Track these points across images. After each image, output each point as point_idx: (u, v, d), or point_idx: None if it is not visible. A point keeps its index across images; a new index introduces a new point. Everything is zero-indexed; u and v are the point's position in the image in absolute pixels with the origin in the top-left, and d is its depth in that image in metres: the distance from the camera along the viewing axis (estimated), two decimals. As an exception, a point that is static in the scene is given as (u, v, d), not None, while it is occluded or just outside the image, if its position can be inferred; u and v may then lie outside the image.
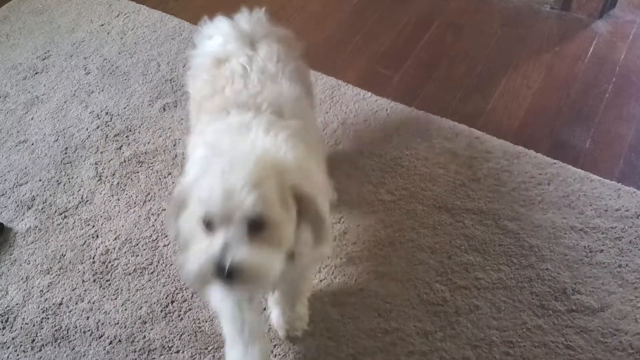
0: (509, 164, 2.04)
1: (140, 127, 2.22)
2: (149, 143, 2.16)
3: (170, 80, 2.38)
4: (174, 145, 2.15)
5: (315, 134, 1.62)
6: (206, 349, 1.63)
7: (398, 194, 1.96)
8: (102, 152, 2.14)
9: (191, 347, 1.64)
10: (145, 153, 2.13)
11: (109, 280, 1.79)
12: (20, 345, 1.67)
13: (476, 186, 1.97)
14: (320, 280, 1.75)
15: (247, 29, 1.64)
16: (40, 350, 1.66)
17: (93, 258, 1.85)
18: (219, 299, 1.41)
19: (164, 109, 2.28)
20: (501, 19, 2.64)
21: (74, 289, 1.78)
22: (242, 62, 1.54)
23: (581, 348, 1.59)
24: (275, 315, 1.64)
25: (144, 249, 1.86)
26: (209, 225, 1.12)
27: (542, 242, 1.81)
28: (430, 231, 1.86)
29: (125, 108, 2.29)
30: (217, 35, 1.64)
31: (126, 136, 2.19)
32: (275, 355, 1.62)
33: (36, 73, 2.45)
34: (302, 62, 1.73)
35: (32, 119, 2.28)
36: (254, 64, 1.54)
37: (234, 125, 1.33)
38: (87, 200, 2.00)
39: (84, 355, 1.64)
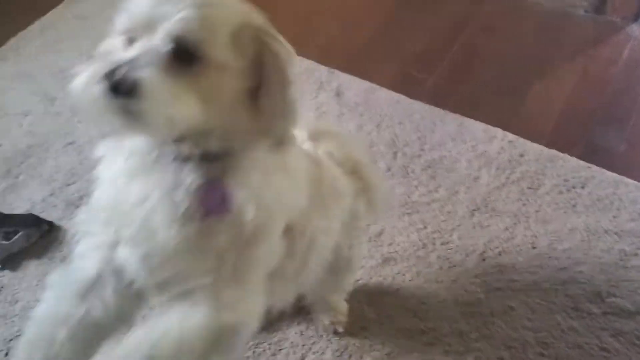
0: (543, 167, 2.07)
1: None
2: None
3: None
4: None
5: None
6: None
7: (433, 196, 2.01)
8: (145, 154, 2.21)
9: None
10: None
11: (154, 277, 1.87)
12: (72, 339, 1.76)
13: (510, 189, 2.01)
14: (357, 280, 1.80)
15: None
16: (90, 344, 1.74)
17: (139, 256, 1.93)
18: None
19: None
20: (535, 22, 2.66)
21: (121, 286, 1.86)
22: None
23: (616, 350, 1.62)
24: (315, 313, 1.69)
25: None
26: (128, 33, 0.86)
27: (576, 245, 1.85)
28: (465, 233, 1.90)
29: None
30: None
31: (168, 138, 2.26)
32: (314, 353, 1.67)
33: (82, 77, 2.53)
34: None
35: (79, 121, 2.36)
36: None
37: None
38: (133, 200, 2.08)
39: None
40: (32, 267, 1.92)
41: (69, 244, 1.94)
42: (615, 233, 1.87)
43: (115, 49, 0.88)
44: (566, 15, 2.68)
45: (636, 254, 1.82)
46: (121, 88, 0.78)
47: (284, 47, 0.88)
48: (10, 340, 1.75)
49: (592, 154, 2.11)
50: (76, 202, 2.09)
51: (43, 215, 2.04)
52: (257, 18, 0.89)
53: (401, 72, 2.17)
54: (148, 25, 0.82)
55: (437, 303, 1.75)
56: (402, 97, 2.32)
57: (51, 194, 2.12)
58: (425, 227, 1.92)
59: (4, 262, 1.92)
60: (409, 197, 2.00)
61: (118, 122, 0.84)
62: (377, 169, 1.45)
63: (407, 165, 2.09)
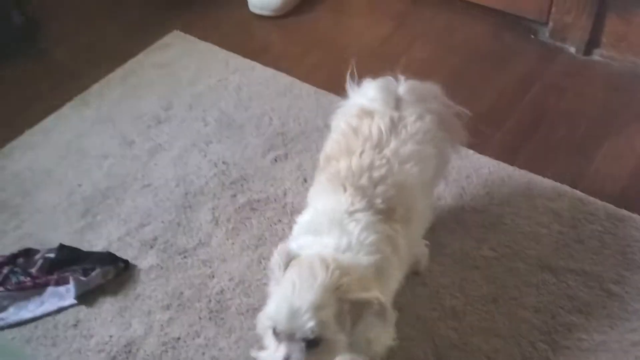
0: (613, 227, 2.06)
1: (253, 176, 2.37)
2: (261, 192, 2.31)
3: (282, 133, 2.53)
4: (284, 194, 2.29)
5: (414, 239, 1.70)
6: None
7: (500, 251, 2.01)
8: (218, 199, 2.30)
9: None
10: (258, 201, 2.27)
11: (223, 318, 1.92)
12: (142, 375, 1.81)
13: (580, 247, 2.00)
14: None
15: (398, 92, 1.76)
16: (160, 381, 1.79)
17: (209, 297, 1.98)
18: None
19: (276, 160, 2.43)
20: (604, 82, 2.67)
21: (191, 325, 1.91)
22: (383, 125, 1.65)
23: (688, 417, 1.58)
24: None
25: (256, 291, 1.98)
26: (275, 334, 1.33)
27: (647, 306, 1.82)
28: (534, 290, 1.90)
29: (240, 158, 2.45)
30: (369, 90, 1.78)
31: (241, 184, 2.34)
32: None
33: (159, 123, 2.65)
34: (448, 143, 1.88)
35: (155, 164, 2.47)
36: (393, 136, 1.65)
37: (336, 212, 1.50)
38: (205, 243, 2.15)
39: (200, 388, 1.76)
40: (107, 304, 2.00)
41: (142, 282, 2.03)
42: (688, 296, 1.84)
43: (268, 334, 1.36)
44: (636, 76, 2.67)
45: None
46: None
47: (366, 303, 1.33)
48: (85, 373, 1.82)
49: (663, 214, 2.08)
50: (150, 242, 2.17)
51: (119, 254, 2.13)
52: (345, 289, 1.31)
53: (469, 127, 2.19)
54: (288, 332, 1.29)
55: (505, 359, 1.74)
56: (470, 151, 2.34)
57: (127, 234, 2.21)
58: (492, 282, 1.93)
59: (81, 298, 2.01)
60: (477, 251, 2.02)
61: None
62: (454, 119, 1.90)
63: (474, 219, 2.10)
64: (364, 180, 1.55)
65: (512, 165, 2.31)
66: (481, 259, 2.00)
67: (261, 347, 1.40)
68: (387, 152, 1.61)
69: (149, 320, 1.94)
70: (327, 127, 2.50)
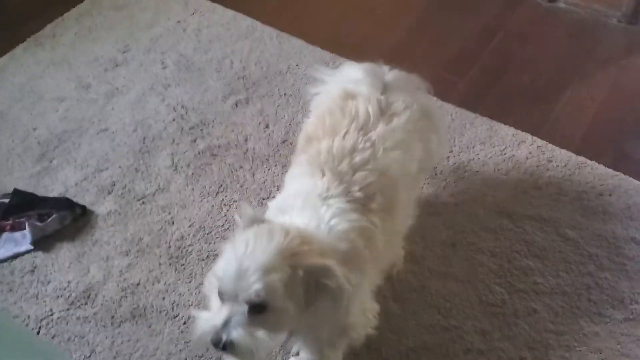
0: (571, 174, 2.08)
1: (213, 121, 2.33)
2: (221, 137, 2.27)
3: (243, 77, 2.48)
4: (246, 140, 2.26)
5: (394, 237, 1.60)
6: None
7: (460, 197, 2.03)
8: (177, 144, 2.25)
9: (259, 332, 1.73)
10: (218, 147, 2.24)
11: (183, 264, 1.91)
12: (101, 321, 1.79)
13: (538, 194, 2.03)
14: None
15: (385, 78, 1.68)
16: (119, 326, 1.78)
17: (169, 243, 1.96)
18: None
19: (237, 105, 2.38)
20: (567, 30, 2.67)
21: (151, 271, 1.90)
22: (372, 107, 1.58)
23: (637, 356, 1.64)
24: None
25: (217, 238, 1.97)
26: (220, 295, 1.26)
27: (601, 251, 1.86)
28: (491, 235, 1.92)
29: (199, 102, 2.40)
30: (354, 72, 1.71)
31: (200, 130, 2.30)
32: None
33: (116, 66, 2.58)
34: (434, 137, 1.76)
35: (112, 109, 2.41)
36: (382, 121, 1.57)
37: (310, 195, 1.43)
38: (164, 189, 2.12)
39: (160, 333, 1.75)
40: (64, 250, 1.97)
41: (100, 228, 2.00)
42: (642, 241, 1.88)
43: (213, 295, 1.29)
44: (599, 23, 2.68)
45: (661, 263, 1.83)
46: (222, 347, 1.22)
47: (324, 269, 1.25)
48: (42, 319, 1.80)
49: (621, 162, 2.11)
50: (108, 188, 2.13)
51: (76, 200, 2.08)
52: (301, 257, 1.24)
53: (432, 74, 2.18)
54: (232, 293, 1.22)
55: (461, 302, 1.77)
56: (433, 98, 2.32)
57: (84, 179, 2.17)
58: (451, 227, 1.94)
59: (38, 243, 1.97)
60: (436, 197, 2.03)
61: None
62: (439, 112, 1.86)
63: (435, 167, 2.10)
64: (343, 166, 1.47)
65: (474, 112, 2.31)
66: (441, 205, 2.01)
67: (203, 308, 1.35)
68: (373, 135, 1.53)
69: (107, 266, 1.92)
70: (290, 70, 2.49)
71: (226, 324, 1.22)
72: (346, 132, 1.53)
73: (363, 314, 1.50)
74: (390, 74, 1.71)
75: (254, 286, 1.19)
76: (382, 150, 1.51)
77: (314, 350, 1.55)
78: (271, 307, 1.22)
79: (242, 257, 1.21)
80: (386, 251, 1.51)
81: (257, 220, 1.32)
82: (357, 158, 1.48)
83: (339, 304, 1.28)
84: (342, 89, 1.66)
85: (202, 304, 1.77)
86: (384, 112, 1.59)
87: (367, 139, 1.52)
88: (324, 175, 1.46)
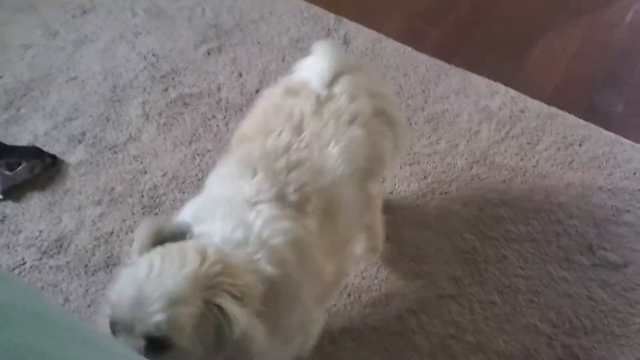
0: (543, 124, 2.11)
1: (185, 70, 2.29)
2: (194, 86, 2.24)
3: (215, 26, 2.44)
4: (219, 89, 2.23)
5: (339, 242, 1.37)
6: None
7: (433, 148, 2.04)
8: (149, 93, 2.22)
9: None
10: (191, 95, 2.21)
11: (157, 214, 1.90)
12: (74, 269, 1.78)
13: (510, 143, 2.05)
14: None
15: (334, 62, 1.49)
16: (93, 274, 1.77)
17: (142, 192, 1.95)
18: None
19: (209, 53, 2.35)
20: (542, -20, 2.67)
21: (124, 220, 1.89)
22: (307, 106, 1.40)
23: (603, 300, 1.69)
24: None
25: (190, 187, 1.96)
26: (113, 330, 1.03)
27: (571, 200, 1.90)
28: (464, 184, 1.94)
29: (171, 51, 2.36)
30: (305, 65, 1.54)
31: (172, 78, 2.27)
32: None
33: (84, 12, 2.51)
34: (387, 135, 1.52)
35: (81, 57, 2.35)
36: (316, 117, 1.39)
37: (233, 200, 1.24)
38: (135, 138, 2.09)
39: (135, 281, 1.75)
40: (35, 199, 1.94)
41: (71, 177, 1.98)
42: (609, 190, 1.92)
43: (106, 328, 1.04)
44: (572, -25, 2.69)
45: (628, 211, 1.87)
46: None
47: (232, 316, 1.02)
48: (14, 268, 1.79)
49: (591, 113, 2.14)
50: (79, 137, 2.10)
51: (46, 149, 2.05)
52: (218, 292, 1.03)
53: (408, 24, 2.18)
54: (127, 326, 1.00)
55: (434, 250, 1.80)
56: (408, 48, 2.33)
57: (54, 128, 2.13)
58: (425, 178, 1.96)
59: (7, 193, 1.94)
60: (411, 147, 2.04)
61: None
62: (397, 105, 1.62)
63: (410, 117, 2.11)
64: (279, 164, 1.29)
65: (448, 63, 2.31)
66: (415, 155, 2.03)
67: None
68: (307, 134, 1.35)
69: (79, 216, 1.90)
70: (263, 19, 2.46)
71: None
72: (281, 132, 1.36)
73: (304, 330, 1.33)
74: (345, 62, 1.53)
75: (156, 317, 0.98)
76: (317, 148, 1.35)
77: None
78: (175, 346, 1.01)
79: (143, 281, 1.01)
80: (325, 262, 1.29)
81: (159, 237, 1.12)
82: (293, 157, 1.31)
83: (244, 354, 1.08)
84: (285, 86, 1.51)
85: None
86: (322, 105, 1.42)
87: (301, 139, 1.35)
88: (255, 175, 1.27)
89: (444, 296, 1.71)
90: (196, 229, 1.18)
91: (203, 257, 1.05)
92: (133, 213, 1.90)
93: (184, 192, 1.95)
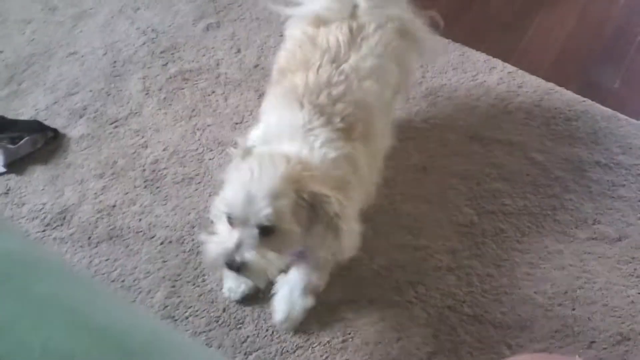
0: (540, 100, 2.13)
1: (184, 45, 2.30)
2: (193, 61, 2.25)
3: (214, 0, 2.44)
4: (217, 64, 2.24)
5: (375, 160, 1.61)
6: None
7: (432, 122, 2.06)
8: (149, 68, 2.23)
9: (236, 252, 1.77)
10: (190, 71, 2.22)
11: (159, 187, 1.92)
12: (78, 241, 1.81)
13: (507, 118, 2.07)
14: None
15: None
16: (96, 246, 1.80)
17: (143, 166, 1.97)
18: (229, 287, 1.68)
19: (208, 29, 2.36)
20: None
21: (126, 193, 1.91)
22: (342, 36, 1.55)
23: (598, 273, 1.72)
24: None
25: (191, 161, 1.98)
26: (229, 220, 1.33)
27: (567, 174, 1.92)
28: (462, 159, 1.97)
29: (170, 26, 2.37)
30: None
31: (171, 53, 2.27)
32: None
33: (83, -13, 2.51)
34: (412, 53, 1.75)
35: (81, 32, 2.36)
36: (352, 50, 1.55)
37: (293, 126, 1.44)
38: (136, 112, 2.11)
39: (137, 252, 1.78)
40: (38, 172, 1.96)
41: (73, 151, 1.99)
42: (606, 165, 1.94)
43: (221, 220, 1.36)
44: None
45: (623, 185, 1.90)
46: (236, 268, 1.32)
47: (324, 197, 1.31)
48: (18, 240, 1.81)
49: (588, 89, 2.16)
50: (80, 112, 2.11)
51: (47, 123, 2.06)
52: (312, 180, 1.32)
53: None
54: (243, 218, 1.29)
55: (432, 222, 1.83)
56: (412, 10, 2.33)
57: (55, 103, 2.14)
58: (423, 152, 1.98)
59: (10, 166, 1.96)
60: (409, 122, 2.05)
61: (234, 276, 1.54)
62: (423, 24, 1.77)
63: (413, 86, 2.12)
64: (322, 98, 1.47)
65: (447, 38, 2.32)
66: (413, 130, 2.04)
67: (211, 232, 1.39)
68: (345, 67, 1.52)
69: (82, 189, 1.92)
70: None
71: (238, 246, 1.30)
72: (319, 66, 1.52)
73: (351, 236, 1.53)
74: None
75: (265, 211, 1.26)
76: (356, 82, 1.51)
77: (306, 272, 1.60)
78: (279, 229, 1.30)
79: (249, 184, 1.28)
80: (369, 175, 1.55)
81: (251, 151, 1.37)
82: (334, 91, 1.48)
83: (334, 227, 1.34)
84: (313, 15, 1.63)
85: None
86: (355, 37, 1.57)
87: (340, 72, 1.51)
88: (303, 107, 1.46)
89: (441, 268, 1.74)
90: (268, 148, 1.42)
91: (287, 159, 1.32)
92: (135, 186, 1.92)
93: (184, 166, 1.97)
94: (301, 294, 1.62)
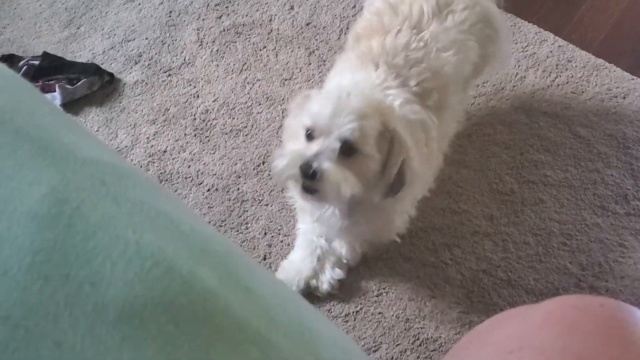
0: (589, 75, 2.13)
1: (239, -1, 2.34)
2: (247, 15, 2.29)
3: (270, -44, 2.47)
4: (270, 20, 2.28)
5: (443, 134, 1.59)
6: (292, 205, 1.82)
7: (479, 91, 2.08)
8: (203, 19, 2.28)
9: (279, 202, 1.83)
10: (243, 25, 2.26)
11: (208, 136, 1.98)
12: (129, 183, 1.88)
13: (555, 91, 2.08)
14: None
15: None
16: (146, 188, 1.87)
17: (194, 115, 2.03)
18: (303, 230, 1.68)
19: (262, -16, 2.39)
20: None
21: (177, 140, 1.97)
22: (427, 5, 1.51)
23: (633, 247, 1.74)
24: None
25: (240, 113, 2.03)
26: (309, 135, 1.29)
27: (610, 150, 1.93)
28: (507, 128, 1.99)
29: (225, -21, 2.40)
30: None
31: (226, 7, 2.31)
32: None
33: (142, -64, 2.55)
34: (494, 44, 1.71)
35: None
36: (436, 20, 1.51)
37: (367, 84, 1.41)
38: (189, 63, 2.16)
39: (185, 197, 1.85)
40: (93, 114, 2.04)
41: (127, 96, 2.05)
42: (650, 143, 1.95)
43: (299, 137, 1.32)
44: None
45: (666, 165, 1.91)
46: (312, 175, 1.25)
47: (405, 141, 1.29)
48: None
49: (638, 67, 2.15)
50: (135, 58, 2.17)
51: (104, 67, 2.13)
52: (397, 121, 1.30)
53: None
54: (326, 130, 1.26)
55: (472, 188, 1.86)
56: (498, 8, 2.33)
57: (111, 48, 2.21)
58: (469, 119, 2.00)
59: (67, 106, 2.03)
60: (455, 88, 2.07)
61: (303, 195, 1.35)
62: (505, 22, 1.81)
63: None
64: (398, 60, 1.44)
65: (498, 8, 2.31)
66: (460, 96, 2.07)
67: (281, 146, 1.41)
68: (426, 34, 1.48)
69: (135, 133, 1.99)
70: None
71: (317, 155, 1.26)
72: (399, 31, 1.48)
73: (402, 217, 1.58)
74: None
75: (351, 124, 1.23)
76: (435, 50, 1.47)
77: (350, 246, 1.66)
78: (361, 151, 1.27)
79: (338, 99, 1.26)
80: (437, 153, 1.56)
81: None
82: (412, 55, 1.45)
83: (399, 185, 1.34)
84: None
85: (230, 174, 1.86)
86: (441, 10, 1.53)
87: (420, 39, 1.47)
88: (378, 67, 1.43)
89: (479, 233, 1.78)
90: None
91: (378, 95, 1.33)
92: (185, 134, 1.99)
93: (233, 118, 2.02)
94: (333, 265, 1.67)
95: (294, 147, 1.33)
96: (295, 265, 1.66)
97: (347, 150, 1.26)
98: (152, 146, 1.96)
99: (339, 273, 1.67)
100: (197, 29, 2.25)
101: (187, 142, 1.97)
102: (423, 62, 1.45)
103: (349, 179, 1.28)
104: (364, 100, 1.27)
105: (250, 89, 2.10)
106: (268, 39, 2.23)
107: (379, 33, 1.49)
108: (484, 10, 1.62)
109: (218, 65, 2.16)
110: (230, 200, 1.84)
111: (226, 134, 1.99)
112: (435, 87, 1.45)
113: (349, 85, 1.33)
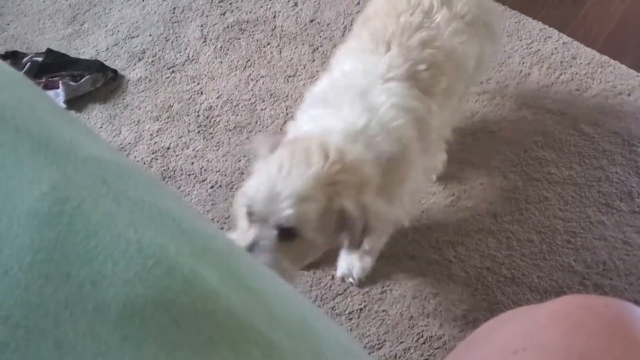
0: (593, 72, 2.12)
1: (243, -5, 2.34)
2: (250, 12, 2.29)
3: (274, -47, 2.47)
4: (274, 17, 2.27)
5: (446, 122, 1.52)
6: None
7: (483, 88, 2.07)
8: (207, 16, 2.27)
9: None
10: (247, 22, 2.26)
11: (211, 133, 1.98)
12: (132, 180, 1.88)
13: (559, 89, 2.07)
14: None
15: None
16: (149, 185, 1.87)
17: (198, 112, 2.03)
18: None
19: (266, -19, 2.38)
20: None
21: (180, 137, 1.97)
22: None
23: (638, 245, 1.74)
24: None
25: (244, 110, 2.03)
26: (249, 216, 1.18)
27: (615, 147, 1.92)
28: (511, 125, 1.98)
29: (229, -24, 2.40)
30: None
31: (230, 3, 2.31)
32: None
33: None
34: (490, 44, 1.65)
35: (142, -24, 2.41)
36: (446, 7, 1.44)
37: (367, 75, 1.32)
38: (193, 59, 2.16)
39: (188, 194, 1.85)
40: (96, 110, 2.04)
41: (131, 93, 2.05)
42: (655, 141, 1.95)
43: (241, 215, 1.21)
44: None
45: (671, 163, 1.90)
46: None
47: (356, 211, 1.17)
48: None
49: (643, 64, 2.15)
50: (139, 55, 2.17)
51: (107, 64, 2.13)
52: (346, 190, 1.16)
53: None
54: (262, 216, 1.15)
55: (477, 185, 1.86)
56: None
57: (115, 44, 2.20)
58: (473, 116, 2.00)
59: (71, 103, 2.03)
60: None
61: None
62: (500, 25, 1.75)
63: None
64: (413, 41, 1.35)
65: (503, 4, 2.31)
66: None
67: (233, 227, 1.31)
68: (437, 17, 1.41)
69: (138, 129, 1.99)
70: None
71: (253, 246, 1.15)
72: (412, 13, 1.42)
73: (412, 202, 1.50)
74: None
75: (287, 211, 1.12)
76: (447, 33, 1.41)
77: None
78: (301, 236, 1.15)
79: (276, 179, 1.13)
80: (437, 141, 1.50)
81: (278, 144, 1.23)
82: (425, 34, 1.37)
83: (365, 236, 1.23)
84: None
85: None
86: (449, 1, 1.47)
87: (432, 20, 1.41)
88: (389, 49, 1.35)
89: (483, 231, 1.78)
90: (319, 111, 1.31)
91: (326, 156, 1.15)
92: (189, 131, 1.98)
93: (237, 115, 2.02)
94: (359, 255, 1.65)
95: (233, 234, 1.24)
96: None
97: (286, 235, 1.15)
98: (155, 143, 1.96)
99: (366, 261, 1.66)
100: (201, 26, 2.25)
101: (190, 139, 1.97)
102: (437, 40, 1.38)
103: (286, 270, 1.17)
104: (305, 178, 1.13)
105: (254, 85, 2.10)
106: (272, 35, 2.23)
107: (390, 15, 1.41)
108: (483, 10, 1.57)
109: (222, 62, 2.15)
110: (233, 197, 1.84)
111: (230, 130, 1.99)
112: (445, 72, 1.38)
113: (295, 152, 1.17)
